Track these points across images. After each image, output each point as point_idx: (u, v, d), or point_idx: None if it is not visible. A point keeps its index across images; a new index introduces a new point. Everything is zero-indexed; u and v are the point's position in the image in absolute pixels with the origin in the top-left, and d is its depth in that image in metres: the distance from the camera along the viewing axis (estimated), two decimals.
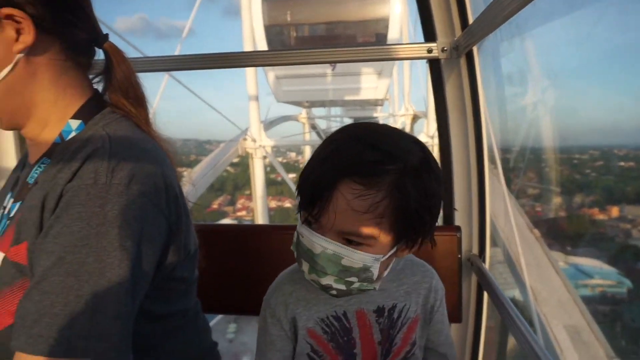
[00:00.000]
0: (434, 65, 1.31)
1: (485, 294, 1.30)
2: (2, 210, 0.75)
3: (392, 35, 7.57)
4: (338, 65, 7.74)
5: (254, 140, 7.83)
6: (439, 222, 1.35)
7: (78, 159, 0.63)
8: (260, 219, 8.12)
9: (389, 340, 0.80)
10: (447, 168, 1.33)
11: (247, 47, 7.72)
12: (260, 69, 8.08)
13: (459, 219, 1.33)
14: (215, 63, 1.35)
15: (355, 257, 0.66)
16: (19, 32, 0.64)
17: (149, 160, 0.66)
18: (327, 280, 0.68)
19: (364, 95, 8.73)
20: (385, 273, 0.73)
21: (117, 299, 0.59)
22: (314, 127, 12.72)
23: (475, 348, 1.38)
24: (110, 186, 0.60)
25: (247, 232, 1.31)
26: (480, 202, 1.31)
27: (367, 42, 7.61)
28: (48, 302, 0.56)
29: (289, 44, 7.93)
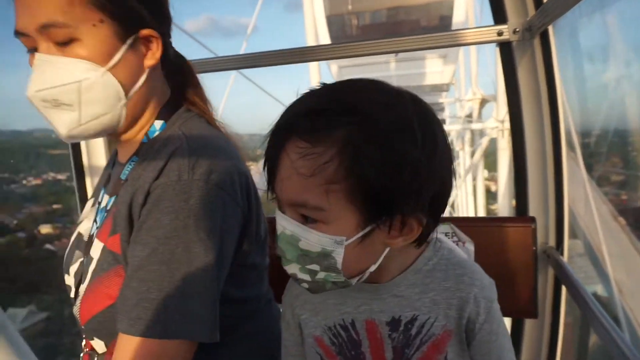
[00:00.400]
0: (505, 48, 1.24)
1: (564, 289, 1.23)
2: (97, 205, 0.83)
3: (458, 17, 7.28)
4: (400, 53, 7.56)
5: None
6: (511, 212, 1.29)
7: (162, 157, 0.70)
8: None
9: None
10: (520, 155, 1.27)
11: (310, 40, 7.77)
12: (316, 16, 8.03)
13: (533, 209, 1.27)
14: (280, 59, 1.38)
15: (311, 238, 0.54)
16: (148, 47, 0.74)
17: (224, 156, 0.72)
18: (292, 269, 0.57)
19: (429, 80, 8.49)
20: (372, 267, 0.58)
21: (205, 285, 0.66)
22: None
23: (553, 345, 1.31)
24: (192, 182, 0.66)
25: None
26: (557, 190, 1.24)
27: (430, 27, 7.37)
28: (145, 289, 0.64)
29: (351, 33, 7.88)
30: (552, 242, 1.25)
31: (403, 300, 0.62)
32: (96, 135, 0.75)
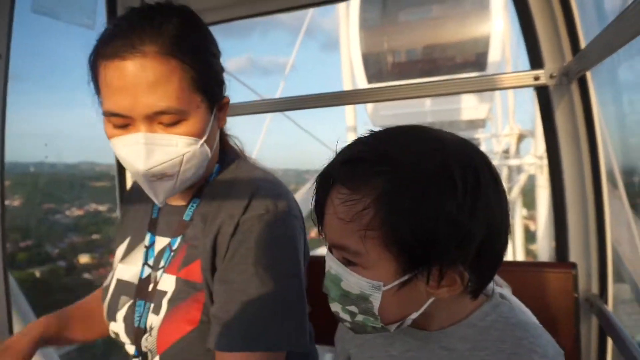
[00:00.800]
0: (542, 92, 1.25)
1: (609, 340, 1.17)
2: (146, 249, 0.88)
3: (494, 54, 7.27)
4: None
5: None
6: (551, 253, 1.25)
7: (244, 197, 0.81)
8: None
9: None
10: (560, 199, 1.24)
11: (345, 79, 7.92)
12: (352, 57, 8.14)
13: (574, 254, 1.23)
14: (318, 102, 1.44)
15: (350, 280, 0.55)
16: (222, 111, 0.86)
17: (286, 191, 0.85)
18: (335, 307, 0.59)
19: (465, 115, 8.40)
20: (414, 315, 0.56)
21: (297, 301, 0.78)
22: None
23: None
24: (277, 214, 0.79)
25: None
26: (599, 234, 1.20)
27: (466, 63, 7.38)
28: (247, 308, 0.73)
29: (387, 71, 7.98)
30: (595, 289, 1.20)
31: (452, 354, 0.59)
32: (177, 195, 0.85)
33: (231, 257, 0.77)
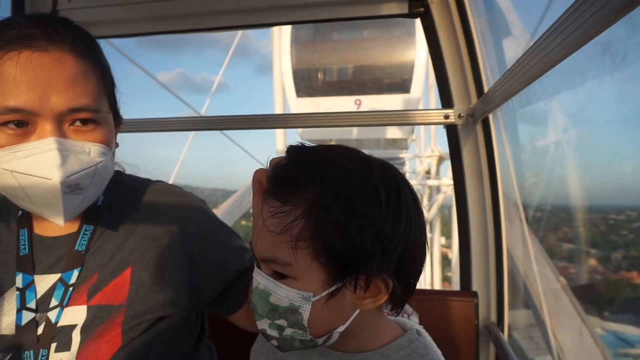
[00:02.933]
0: (451, 130, 1.34)
1: None
2: (20, 291, 0.76)
3: (416, 81, 7.69)
4: (363, 102, 7.86)
5: None
6: (456, 287, 1.32)
7: (160, 206, 0.84)
8: None
9: None
10: (465, 232, 1.32)
11: (277, 101, 7.98)
12: (286, 100, 8.25)
13: (476, 283, 1.31)
14: (246, 124, 1.44)
15: (280, 293, 0.56)
16: (117, 122, 0.81)
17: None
18: (262, 324, 0.59)
19: (390, 134, 8.75)
20: (341, 328, 0.58)
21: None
22: None
23: None
24: (200, 200, 0.89)
25: None
26: (498, 266, 1.29)
27: (392, 84, 7.73)
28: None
29: (317, 87, 8.15)
30: (493, 317, 1.28)
31: None
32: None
33: (208, 242, 0.84)
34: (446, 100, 1.31)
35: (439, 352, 0.65)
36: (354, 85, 8.06)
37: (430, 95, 10.28)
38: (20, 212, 0.81)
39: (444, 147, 10.43)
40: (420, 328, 0.67)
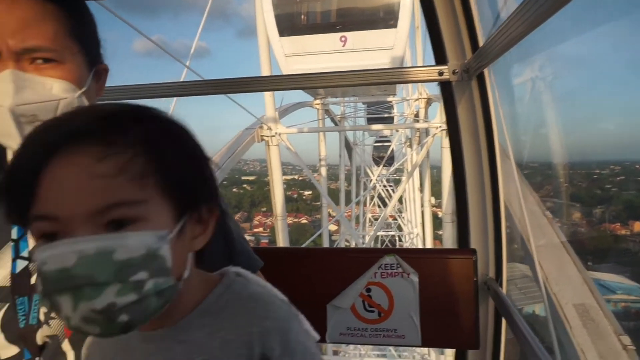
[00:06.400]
0: (446, 87, 1.31)
1: (504, 319, 1.28)
2: (13, 240, 0.77)
3: (402, 24, 7.53)
4: (349, 40, 7.67)
5: (270, 128, 7.79)
6: (454, 244, 1.32)
7: None
8: (280, 216, 7.93)
9: None
10: (462, 189, 1.32)
11: (264, 64, 7.78)
12: (270, 45, 8.04)
13: (474, 241, 1.32)
14: (231, 88, 1.38)
15: (130, 242, 0.48)
16: (100, 79, 0.84)
17: None
18: (106, 299, 0.47)
19: None
20: (186, 273, 0.54)
21: None
22: (328, 113, 12.66)
23: None
24: None
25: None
26: (496, 222, 1.29)
27: (378, 20, 7.56)
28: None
29: (300, 26, 7.96)
30: (492, 273, 1.30)
31: (191, 346, 0.56)
32: None
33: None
34: (440, 56, 1.28)
35: (267, 284, 0.62)
36: (337, 23, 7.89)
37: (417, 35, 10.11)
38: None
39: (431, 90, 10.31)
40: (238, 269, 0.63)
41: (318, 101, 11.29)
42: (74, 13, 0.77)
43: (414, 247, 12.38)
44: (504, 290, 1.26)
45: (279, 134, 7.75)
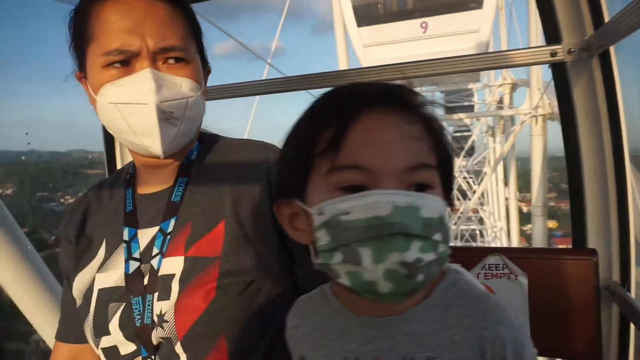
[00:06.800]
0: (558, 69, 1.18)
1: (632, 328, 1.13)
2: (127, 245, 0.82)
3: (488, 4, 7.07)
4: (429, 26, 7.40)
5: None
6: (544, 239, 1.19)
7: (252, 161, 0.85)
8: None
9: None
10: (578, 182, 1.18)
11: (342, 59, 7.74)
12: (348, 37, 7.96)
13: (593, 241, 1.18)
14: (311, 83, 1.37)
15: (432, 203, 0.50)
16: (206, 77, 0.88)
17: None
18: (414, 252, 0.48)
19: None
20: None
21: None
22: None
23: None
24: None
25: None
26: (621, 220, 1.14)
27: (461, 2, 7.15)
28: None
29: (378, 15, 7.80)
30: (616, 276, 1.15)
31: (416, 339, 0.54)
32: (172, 153, 0.81)
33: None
34: (552, 35, 1.15)
35: (481, 286, 0.59)
36: (416, 15, 7.61)
37: (501, 17, 9.39)
38: (127, 176, 0.91)
39: (516, 74, 9.52)
40: (457, 266, 0.61)
41: None
42: (192, 16, 0.84)
43: (499, 243, 11.74)
44: (632, 295, 1.11)
45: None
